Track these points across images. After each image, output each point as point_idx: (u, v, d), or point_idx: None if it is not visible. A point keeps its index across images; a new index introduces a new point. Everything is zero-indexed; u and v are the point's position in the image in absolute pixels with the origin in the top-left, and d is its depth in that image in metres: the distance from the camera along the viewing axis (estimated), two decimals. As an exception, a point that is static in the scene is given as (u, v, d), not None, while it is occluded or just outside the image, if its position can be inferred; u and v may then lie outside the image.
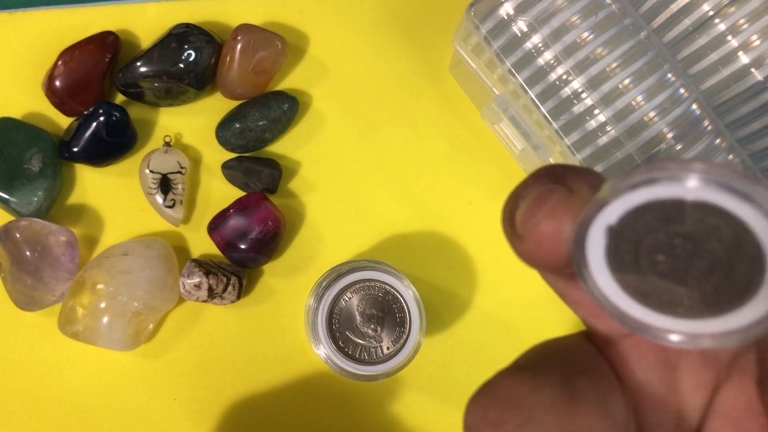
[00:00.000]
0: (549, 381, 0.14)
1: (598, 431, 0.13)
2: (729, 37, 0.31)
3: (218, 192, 0.40)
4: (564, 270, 0.14)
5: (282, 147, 0.41)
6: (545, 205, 0.14)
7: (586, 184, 0.14)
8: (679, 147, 0.31)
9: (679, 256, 0.13)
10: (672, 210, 0.12)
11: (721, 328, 0.13)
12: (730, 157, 0.31)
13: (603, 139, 0.32)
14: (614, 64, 0.31)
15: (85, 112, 0.38)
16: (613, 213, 0.13)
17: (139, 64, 0.38)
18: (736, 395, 0.15)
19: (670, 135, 0.31)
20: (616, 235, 0.13)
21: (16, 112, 0.40)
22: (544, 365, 0.15)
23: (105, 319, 0.36)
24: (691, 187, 0.12)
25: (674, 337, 0.13)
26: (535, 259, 0.14)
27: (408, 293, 0.34)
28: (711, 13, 0.31)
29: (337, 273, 0.34)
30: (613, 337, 0.16)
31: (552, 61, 0.32)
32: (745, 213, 0.12)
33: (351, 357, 0.34)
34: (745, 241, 0.12)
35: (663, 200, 0.12)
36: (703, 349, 0.14)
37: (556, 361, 0.15)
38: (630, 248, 0.13)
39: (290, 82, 0.41)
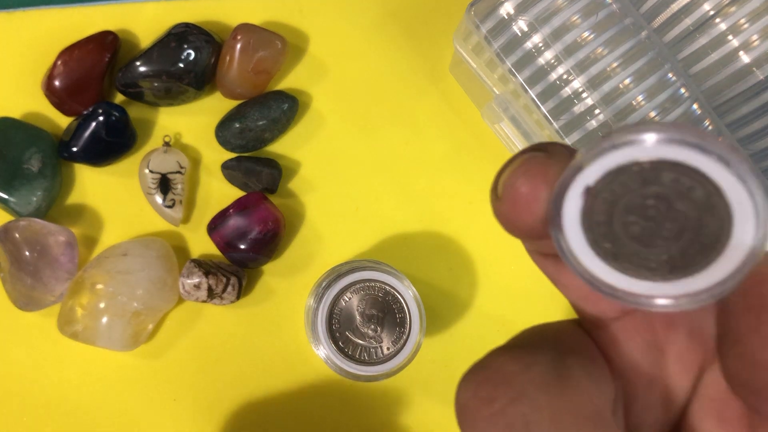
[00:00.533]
0: (540, 359, 0.14)
1: (588, 409, 0.13)
2: (730, 37, 0.31)
3: (218, 192, 0.40)
4: (541, 235, 0.14)
5: (282, 147, 0.41)
6: (524, 166, 0.14)
7: (566, 150, 0.14)
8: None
9: (651, 217, 0.13)
10: (648, 171, 0.13)
11: (682, 290, 0.13)
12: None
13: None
14: (615, 64, 0.31)
15: (85, 112, 0.38)
16: (591, 174, 0.13)
17: (138, 63, 0.38)
18: (718, 378, 0.15)
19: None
20: (593, 196, 0.13)
21: (15, 111, 0.40)
22: (536, 345, 0.15)
23: (104, 320, 0.36)
24: (668, 149, 0.12)
25: (640, 300, 0.14)
26: (511, 220, 0.14)
27: (408, 293, 0.34)
28: (712, 12, 0.31)
29: (337, 273, 0.34)
30: (602, 321, 0.16)
31: (552, 61, 0.31)
32: (719, 175, 0.12)
33: (351, 357, 0.34)
34: (715, 202, 0.12)
35: (641, 161, 0.13)
36: (664, 311, 0.14)
37: (547, 342, 0.15)
38: (604, 209, 0.13)
39: (290, 81, 0.41)
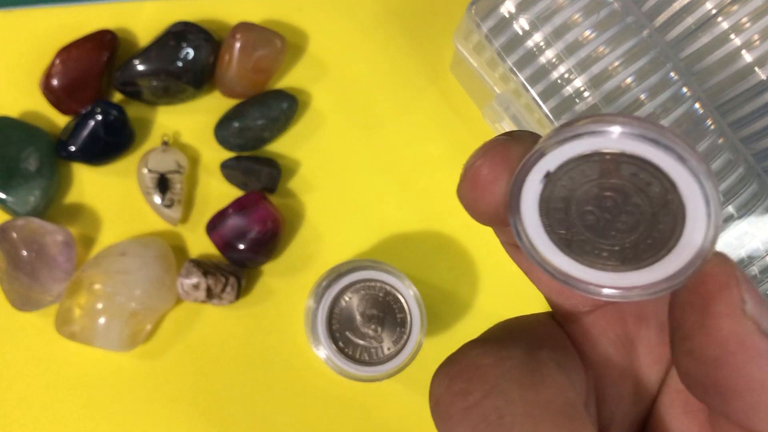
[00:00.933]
0: (513, 353, 0.14)
1: (560, 401, 0.13)
2: (732, 36, 0.30)
3: (217, 191, 0.40)
4: (502, 220, 0.14)
5: (281, 146, 0.40)
6: (486, 149, 0.14)
7: (531, 137, 0.15)
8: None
9: (607, 208, 0.13)
10: (609, 163, 0.13)
11: (631, 282, 0.13)
12: (732, 157, 0.31)
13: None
14: (616, 63, 0.31)
15: (83, 111, 0.38)
16: (553, 160, 0.13)
17: (136, 62, 0.38)
18: None
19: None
20: (552, 182, 0.14)
21: (13, 110, 0.39)
22: (509, 338, 0.15)
23: (102, 320, 0.36)
24: (630, 142, 0.13)
25: (589, 288, 0.14)
26: (471, 201, 0.15)
27: (408, 293, 0.34)
28: (714, 11, 0.31)
29: (337, 273, 0.34)
30: (575, 314, 0.16)
31: (554, 60, 0.31)
32: (677, 173, 0.12)
33: (351, 358, 0.33)
34: (671, 200, 0.13)
35: (602, 152, 0.13)
36: (610, 300, 0.15)
37: (521, 335, 0.16)
38: (563, 197, 0.14)
39: (289, 80, 0.41)
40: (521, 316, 0.17)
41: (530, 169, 0.14)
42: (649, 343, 0.16)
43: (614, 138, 0.13)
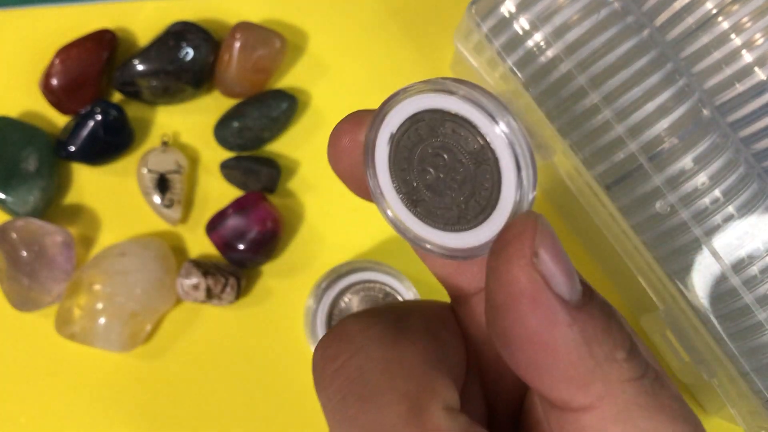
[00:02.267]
0: (381, 319, 0.15)
1: (418, 360, 0.14)
2: (732, 36, 0.30)
3: (216, 192, 0.40)
4: (365, 184, 0.15)
5: (281, 146, 0.40)
6: (348, 116, 0.15)
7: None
8: (681, 146, 0.31)
9: (441, 167, 0.14)
10: (435, 121, 0.14)
11: (462, 242, 0.14)
12: (732, 157, 0.31)
13: (605, 139, 0.32)
14: (616, 63, 0.31)
15: (82, 111, 0.38)
16: (393, 122, 0.14)
17: (136, 62, 0.38)
18: None
19: (672, 134, 0.31)
20: (396, 143, 0.14)
21: (12, 110, 0.39)
22: (389, 311, 0.16)
23: (102, 320, 0.36)
24: (450, 101, 0.13)
25: (425, 246, 0.15)
26: (334, 165, 0.16)
27: (409, 294, 0.34)
28: (714, 11, 0.31)
29: (337, 274, 0.34)
30: (463, 297, 0.17)
31: (554, 60, 0.31)
32: (489, 130, 0.13)
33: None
34: (488, 157, 0.13)
35: (431, 110, 0.14)
36: (445, 259, 0.15)
37: (405, 310, 0.16)
38: (405, 157, 0.14)
39: (289, 80, 0.41)
40: (423, 300, 0.18)
41: (378, 131, 0.14)
42: None
43: (435, 97, 0.13)
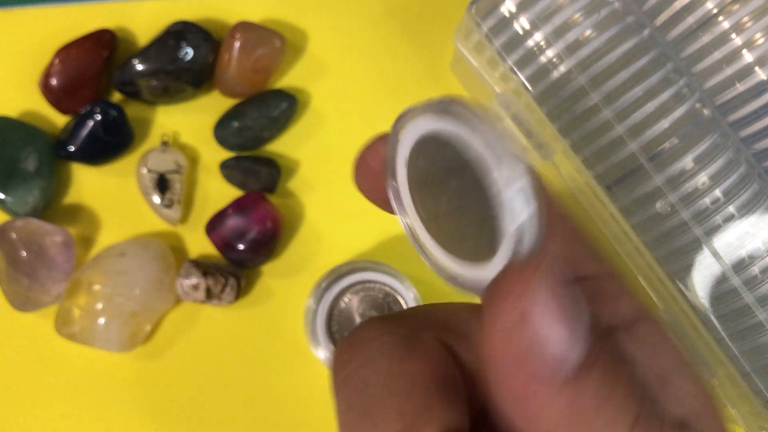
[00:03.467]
0: (398, 330, 0.15)
1: (426, 376, 0.14)
2: (733, 35, 0.30)
3: (216, 192, 0.40)
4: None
5: (281, 146, 0.40)
6: (371, 140, 0.15)
7: None
8: (682, 146, 0.31)
9: (452, 190, 0.14)
10: (441, 144, 0.13)
11: (469, 275, 0.14)
12: (732, 157, 0.31)
13: (605, 139, 0.32)
14: (617, 63, 0.31)
15: (82, 111, 0.38)
16: (406, 145, 0.14)
17: (136, 62, 0.38)
18: None
19: (673, 134, 0.31)
20: (412, 166, 0.14)
21: (12, 110, 0.39)
22: (410, 317, 0.16)
23: (101, 321, 0.36)
24: (445, 124, 0.13)
25: (442, 274, 0.14)
26: (362, 188, 0.16)
27: (409, 295, 0.34)
28: (715, 11, 0.31)
29: (337, 274, 0.34)
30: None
31: (554, 60, 0.31)
32: (498, 176, 0.12)
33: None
34: (492, 188, 0.12)
35: (435, 136, 0.13)
36: (454, 286, 0.15)
37: (424, 316, 0.16)
38: (421, 179, 0.14)
39: (289, 80, 0.41)
40: (444, 303, 0.17)
41: (395, 155, 0.14)
42: None
43: (432, 120, 0.13)
